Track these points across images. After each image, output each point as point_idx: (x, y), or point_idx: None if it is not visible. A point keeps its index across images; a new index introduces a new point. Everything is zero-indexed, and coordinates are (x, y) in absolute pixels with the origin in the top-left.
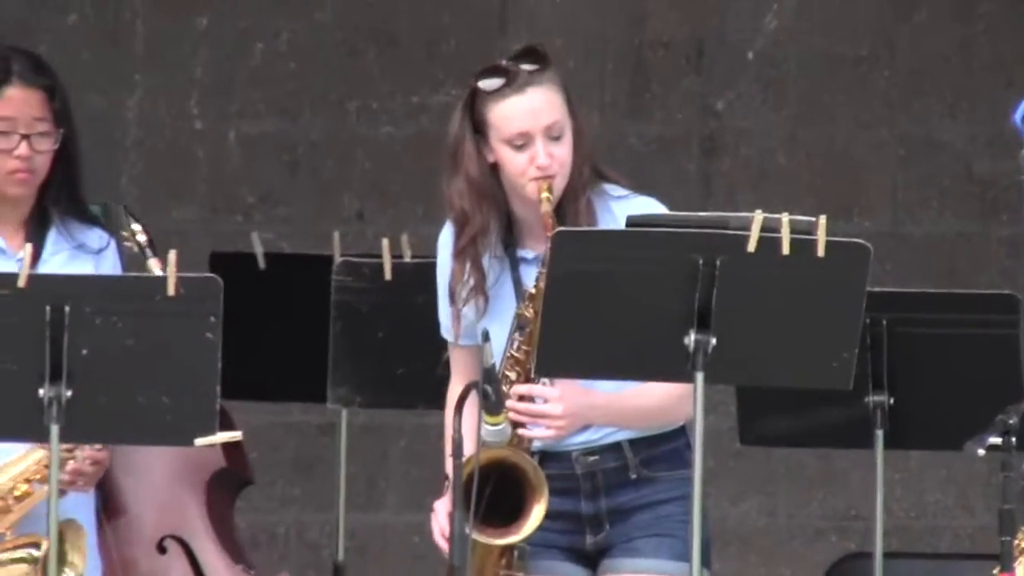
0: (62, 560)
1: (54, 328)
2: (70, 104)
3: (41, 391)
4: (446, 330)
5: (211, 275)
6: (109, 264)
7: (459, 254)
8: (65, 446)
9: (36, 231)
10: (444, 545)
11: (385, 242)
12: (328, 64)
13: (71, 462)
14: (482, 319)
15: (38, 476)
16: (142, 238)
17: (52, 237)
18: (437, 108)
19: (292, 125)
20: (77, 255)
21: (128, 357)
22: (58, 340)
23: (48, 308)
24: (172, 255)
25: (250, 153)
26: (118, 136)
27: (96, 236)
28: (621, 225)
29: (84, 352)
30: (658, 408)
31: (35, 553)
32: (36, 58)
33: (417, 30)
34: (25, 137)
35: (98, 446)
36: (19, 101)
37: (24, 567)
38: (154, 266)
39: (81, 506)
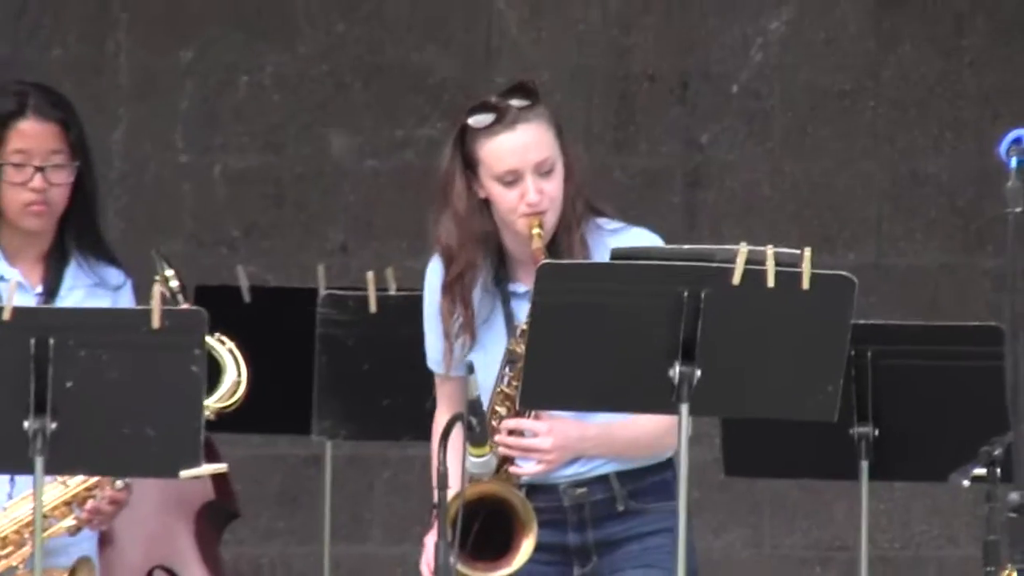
0: None
1: (39, 361)
2: (86, 139)
3: (26, 423)
4: (434, 363)
5: (196, 308)
6: (125, 302)
7: (447, 290)
8: (86, 484)
9: (55, 266)
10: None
11: (370, 275)
12: (313, 97)
13: (90, 500)
14: (470, 352)
15: (56, 511)
16: (174, 284)
17: (71, 272)
18: (423, 141)
19: (277, 158)
20: (95, 292)
21: (113, 389)
22: (43, 373)
23: (32, 341)
24: (157, 288)
25: (235, 186)
26: (103, 170)
27: (114, 274)
28: None
29: (69, 385)
30: (648, 439)
31: None
32: (53, 93)
33: (403, 63)
34: (40, 170)
35: (120, 484)
36: (33, 134)
37: None
38: None
39: (85, 541)
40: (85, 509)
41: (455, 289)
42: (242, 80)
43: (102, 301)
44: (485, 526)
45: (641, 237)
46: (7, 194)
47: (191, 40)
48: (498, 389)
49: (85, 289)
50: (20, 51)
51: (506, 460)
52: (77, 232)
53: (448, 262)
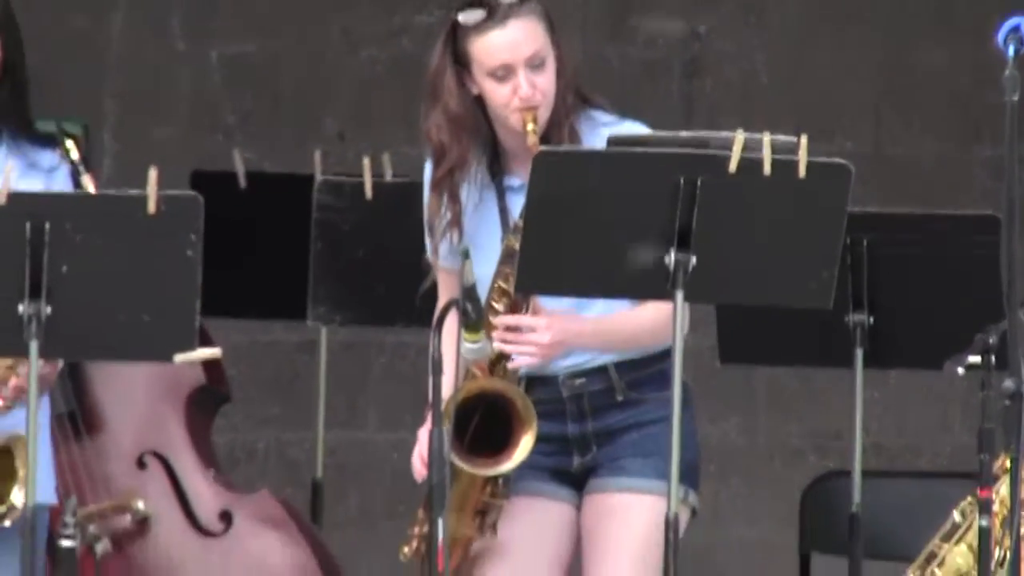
0: (13, 476)
1: (34, 245)
2: (14, 23)
3: (21, 307)
4: (433, 253)
5: (192, 193)
6: (60, 184)
7: (435, 187)
8: (6, 363)
9: None
10: (419, 470)
11: (366, 161)
12: None
13: (13, 378)
14: (459, 247)
15: None
16: (75, 155)
17: (1, 154)
18: (419, 29)
19: (274, 46)
20: (27, 173)
21: (108, 274)
22: (38, 257)
23: (28, 225)
24: (152, 173)
25: (231, 73)
26: (100, 55)
27: (48, 155)
28: None
29: (64, 269)
30: (645, 331)
31: None
32: None
33: None
34: None
35: (41, 362)
36: None
37: None
38: (87, 184)
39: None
40: (10, 387)
41: (444, 185)
42: None
43: (34, 183)
44: (484, 422)
45: (634, 129)
46: None
47: None
48: (495, 285)
49: (16, 172)
50: None
51: (503, 356)
52: (5, 112)
53: (438, 158)
